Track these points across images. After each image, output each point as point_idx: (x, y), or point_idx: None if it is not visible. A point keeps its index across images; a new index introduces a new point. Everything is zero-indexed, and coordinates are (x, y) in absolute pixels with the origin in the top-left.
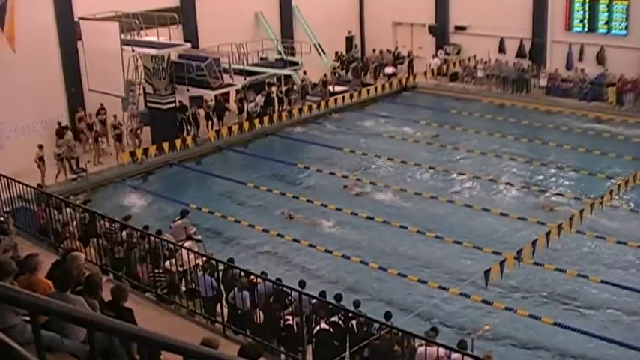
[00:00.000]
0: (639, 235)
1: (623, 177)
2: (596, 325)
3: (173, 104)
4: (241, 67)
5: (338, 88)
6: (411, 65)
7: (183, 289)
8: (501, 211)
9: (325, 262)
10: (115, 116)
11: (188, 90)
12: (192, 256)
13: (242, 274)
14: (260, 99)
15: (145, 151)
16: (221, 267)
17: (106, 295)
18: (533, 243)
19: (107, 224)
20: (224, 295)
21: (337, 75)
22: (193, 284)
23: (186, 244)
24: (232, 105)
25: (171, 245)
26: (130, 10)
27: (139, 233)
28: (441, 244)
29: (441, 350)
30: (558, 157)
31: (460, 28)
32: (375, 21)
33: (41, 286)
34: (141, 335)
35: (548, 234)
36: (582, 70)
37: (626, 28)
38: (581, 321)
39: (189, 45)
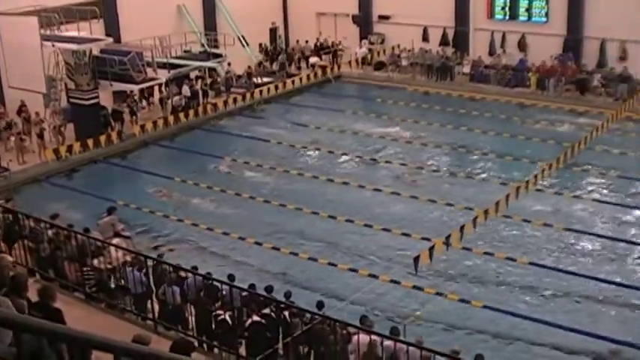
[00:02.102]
0: (564, 218)
1: (548, 161)
2: (526, 307)
3: (96, 100)
4: (165, 60)
5: (263, 80)
6: (335, 55)
7: (113, 286)
8: (429, 198)
9: (257, 254)
10: (37, 113)
11: (111, 85)
12: (120, 253)
13: (171, 269)
14: (186, 90)
15: (69, 148)
16: (150, 263)
17: (34, 296)
18: (461, 228)
19: (32, 224)
20: (154, 292)
21: (262, 66)
22: (123, 281)
23: (114, 241)
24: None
25: (98, 243)
26: (49, 5)
27: (65, 232)
28: (371, 232)
29: (374, 337)
30: (483, 143)
31: (384, 18)
32: (298, 12)
33: None
34: (70, 335)
35: (475, 219)
36: (503, 51)
37: (547, 15)
38: (511, 303)
39: (111, 39)
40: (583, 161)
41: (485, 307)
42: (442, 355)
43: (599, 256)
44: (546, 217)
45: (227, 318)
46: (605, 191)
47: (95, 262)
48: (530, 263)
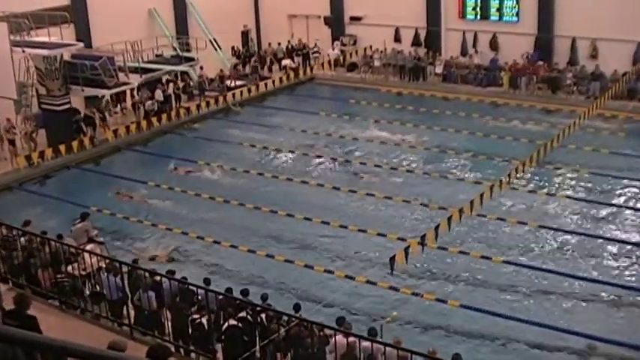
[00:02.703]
0: (539, 216)
1: (521, 160)
2: (502, 305)
3: (68, 105)
4: (137, 64)
5: (236, 83)
6: (307, 57)
7: (88, 293)
8: (404, 198)
9: (232, 258)
10: (7, 119)
11: (83, 90)
12: (95, 259)
13: (147, 274)
14: (159, 94)
15: (42, 155)
16: (125, 268)
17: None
18: (436, 228)
19: (4, 231)
20: (130, 297)
21: (235, 69)
22: (98, 287)
23: (88, 247)
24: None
25: (72, 249)
26: (18, 10)
27: (38, 239)
28: (347, 233)
29: (351, 339)
30: (457, 143)
31: (355, 19)
32: (270, 14)
33: None
34: (45, 343)
35: (450, 218)
36: (475, 51)
37: (517, 14)
38: (487, 302)
39: (82, 44)
40: (556, 159)
41: (461, 306)
42: (419, 354)
43: (574, 253)
44: (521, 215)
45: (203, 322)
46: (578, 188)
47: (69, 268)
48: (506, 261)
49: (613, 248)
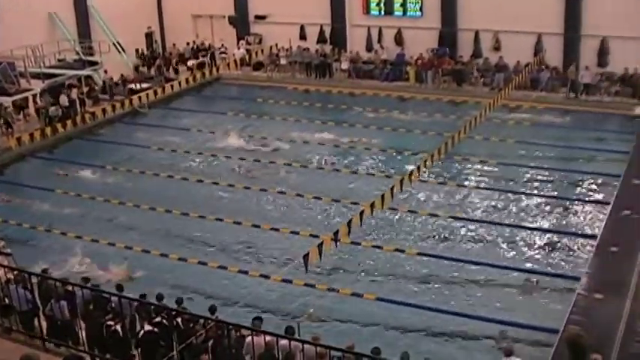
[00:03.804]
0: (449, 207)
1: (430, 152)
2: (418, 296)
3: None
4: (39, 70)
5: (141, 86)
6: (213, 57)
7: None
8: (314, 195)
9: (145, 262)
10: None
11: None
12: (1, 271)
13: (57, 284)
14: (63, 99)
15: None
16: (35, 279)
17: None
18: (349, 223)
19: None
20: (41, 308)
21: (139, 72)
22: (7, 300)
23: None
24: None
25: None
26: None
27: None
28: (260, 233)
29: (268, 338)
30: (366, 138)
31: (260, 18)
32: (174, 15)
33: None
34: None
35: (362, 213)
36: (381, 46)
37: (421, 9)
38: (403, 294)
39: None
40: (464, 150)
41: (378, 299)
42: (338, 350)
43: (486, 242)
44: (432, 207)
45: (118, 329)
46: (486, 178)
47: None
48: (419, 253)
49: (522, 235)
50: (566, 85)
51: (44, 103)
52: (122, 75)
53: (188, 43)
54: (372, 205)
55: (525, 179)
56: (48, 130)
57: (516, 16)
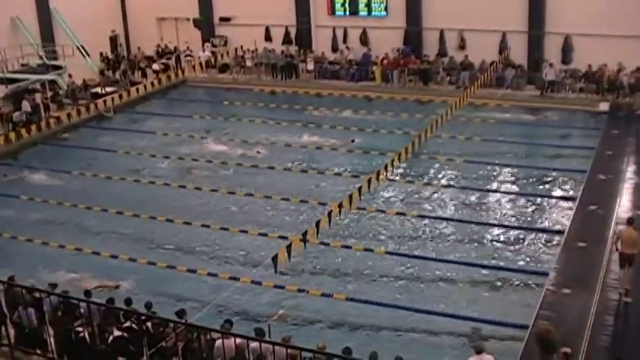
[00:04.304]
0: (417, 205)
1: (397, 151)
2: (388, 295)
3: None
4: (1, 75)
5: (106, 90)
6: (178, 60)
7: None
8: (283, 197)
9: (113, 267)
10: None
11: None
12: None
13: (24, 291)
14: (26, 105)
15: None
16: (1, 287)
17: None
18: (317, 224)
19: None
20: (8, 316)
21: (104, 76)
22: None
23: None
24: None
25: None
26: None
27: None
28: (228, 235)
29: (239, 341)
30: (333, 139)
31: (225, 20)
32: (138, 18)
33: None
34: None
35: (330, 213)
36: (346, 47)
37: (386, 9)
38: (373, 293)
39: None
40: (431, 149)
41: (348, 299)
42: (309, 351)
43: (453, 239)
44: (400, 206)
45: (86, 335)
46: (453, 176)
47: None
48: (388, 252)
49: (490, 232)
50: (531, 83)
51: (7, 109)
52: (84, 80)
53: (158, 45)
54: (340, 206)
55: (492, 177)
56: (12, 135)
57: (481, 15)
